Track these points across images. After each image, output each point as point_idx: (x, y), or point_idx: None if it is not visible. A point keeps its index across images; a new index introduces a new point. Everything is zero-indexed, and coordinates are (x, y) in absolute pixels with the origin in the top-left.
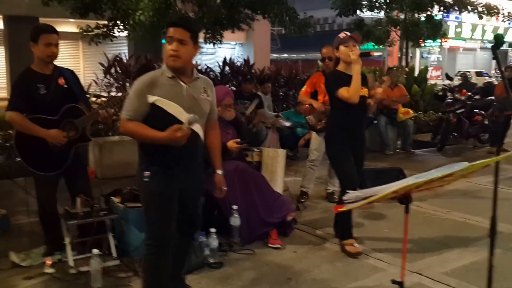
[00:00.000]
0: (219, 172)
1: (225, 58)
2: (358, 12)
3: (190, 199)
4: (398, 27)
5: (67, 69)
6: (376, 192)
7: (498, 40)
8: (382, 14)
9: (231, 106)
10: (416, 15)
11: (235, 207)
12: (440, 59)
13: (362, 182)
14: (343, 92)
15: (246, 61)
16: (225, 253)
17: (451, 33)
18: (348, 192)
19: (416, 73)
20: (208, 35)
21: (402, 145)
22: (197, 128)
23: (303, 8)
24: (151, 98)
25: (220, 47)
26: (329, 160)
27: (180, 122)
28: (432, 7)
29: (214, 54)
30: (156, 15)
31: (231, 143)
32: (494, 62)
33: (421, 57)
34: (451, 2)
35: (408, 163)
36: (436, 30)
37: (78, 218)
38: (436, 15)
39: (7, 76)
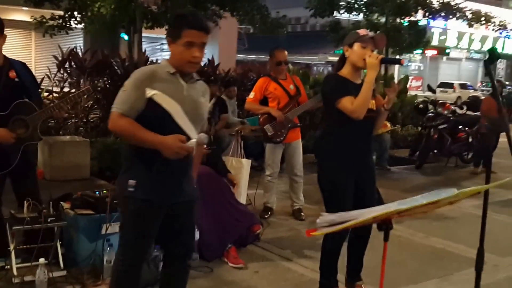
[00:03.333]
0: None
1: None
2: (335, 13)
3: (182, 216)
4: (378, 32)
5: (18, 61)
6: (354, 216)
7: (493, 54)
8: (361, 16)
9: None
10: (398, 19)
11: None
12: (422, 68)
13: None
14: (346, 103)
15: (210, 61)
16: None
17: (434, 41)
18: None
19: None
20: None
21: (377, 161)
22: (192, 131)
23: (274, 6)
24: (150, 92)
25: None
26: (321, 191)
27: (175, 124)
28: (416, 11)
29: None
30: (117, 8)
31: None
32: (480, 74)
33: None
34: (437, 8)
35: (383, 181)
36: (420, 37)
37: (24, 223)
38: (420, 20)
39: None
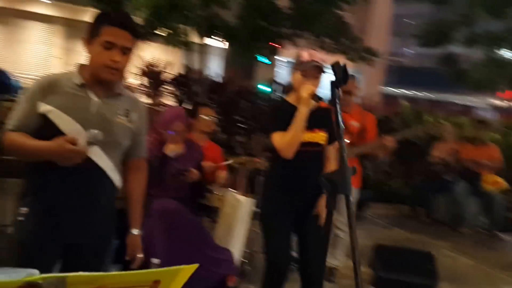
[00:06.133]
0: (135, 232)
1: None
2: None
3: (84, 261)
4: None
5: None
6: None
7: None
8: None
9: (180, 133)
10: None
11: (156, 261)
12: None
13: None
14: (276, 137)
15: None
16: None
17: None
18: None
19: None
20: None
21: (489, 224)
22: (100, 157)
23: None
24: (43, 107)
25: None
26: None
27: None
28: None
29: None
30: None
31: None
32: None
33: None
34: None
35: (480, 249)
36: None
37: None
38: None
39: None
